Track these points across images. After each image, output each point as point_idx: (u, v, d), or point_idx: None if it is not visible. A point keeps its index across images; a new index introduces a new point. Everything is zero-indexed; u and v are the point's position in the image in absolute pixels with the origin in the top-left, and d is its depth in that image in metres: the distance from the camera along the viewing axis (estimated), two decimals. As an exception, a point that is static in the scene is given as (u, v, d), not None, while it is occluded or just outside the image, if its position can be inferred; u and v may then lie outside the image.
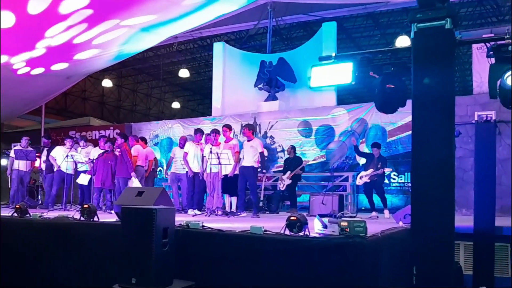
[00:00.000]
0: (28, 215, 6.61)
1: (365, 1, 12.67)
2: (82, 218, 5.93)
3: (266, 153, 11.95)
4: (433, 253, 4.31)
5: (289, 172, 9.78)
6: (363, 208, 10.32)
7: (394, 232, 5.10)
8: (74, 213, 6.31)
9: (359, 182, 9.03)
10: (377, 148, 9.06)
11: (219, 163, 8.25)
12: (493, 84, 4.76)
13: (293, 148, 10.39)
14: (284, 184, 9.83)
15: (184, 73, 19.42)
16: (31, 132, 14.50)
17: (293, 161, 10.04)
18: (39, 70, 10.51)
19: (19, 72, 10.18)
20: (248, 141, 8.57)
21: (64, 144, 10.09)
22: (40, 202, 10.60)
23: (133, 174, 8.93)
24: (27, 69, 10.19)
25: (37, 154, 10.42)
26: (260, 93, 13.87)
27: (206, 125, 13.04)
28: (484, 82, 9.93)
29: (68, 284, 5.60)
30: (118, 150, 9.27)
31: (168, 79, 24.76)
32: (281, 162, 12.10)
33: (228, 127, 8.93)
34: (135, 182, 8.69)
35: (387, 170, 8.91)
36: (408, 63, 5.18)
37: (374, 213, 8.60)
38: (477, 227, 6.40)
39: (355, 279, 3.99)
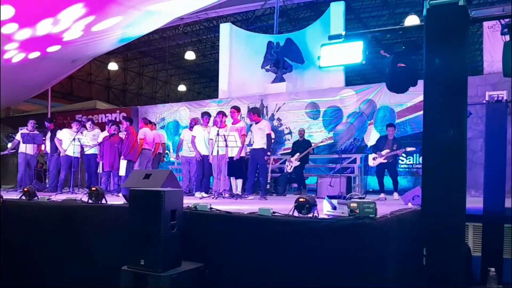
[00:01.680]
0: (36, 198, 6.62)
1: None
2: (90, 201, 5.93)
3: (273, 135, 11.93)
4: (444, 234, 4.30)
5: (297, 154, 9.76)
6: (370, 190, 10.29)
7: (403, 214, 5.06)
8: (82, 196, 6.31)
9: (373, 163, 8.90)
10: (392, 127, 8.93)
11: (226, 146, 8.21)
12: (507, 62, 4.67)
13: (303, 130, 10.39)
14: (292, 166, 9.82)
15: (190, 55, 19.32)
16: (37, 116, 14.51)
17: (302, 144, 10.04)
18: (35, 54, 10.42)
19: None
20: (256, 123, 8.52)
21: (70, 127, 10.08)
22: (47, 185, 10.64)
23: (122, 161, 9.05)
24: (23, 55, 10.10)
25: (43, 138, 10.42)
26: (267, 74, 13.79)
27: (212, 107, 13.01)
28: (495, 62, 9.81)
29: (76, 265, 5.63)
30: (125, 133, 9.27)
31: (174, 62, 24.67)
32: (288, 144, 12.08)
33: (236, 108, 8.85)
34: (122, 165, 8.89)
35: (409, 149, 8.79)
36: (419, 42, 5.10)
37: (382, 195, 8.56)
38: (487, 209, 6.37)
39: (364, 259, 3.96)
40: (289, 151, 10.71)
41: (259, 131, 8.38)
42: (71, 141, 9.43)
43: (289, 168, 9.97)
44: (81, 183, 10.00)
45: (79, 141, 9.49)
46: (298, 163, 9.76)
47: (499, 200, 6.38)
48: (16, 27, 8.51)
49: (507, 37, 4.77)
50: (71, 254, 5.73)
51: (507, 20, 4.75)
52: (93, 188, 6.04)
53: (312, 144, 10.22)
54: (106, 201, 5.94)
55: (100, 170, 9.67)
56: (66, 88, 22.75)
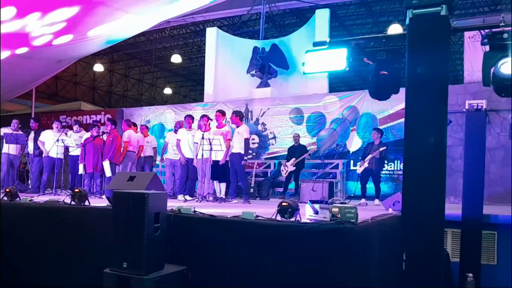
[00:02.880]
0: (18, 199, 6.57)
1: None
2: (73, 203, 5.90)
3: (257, 140, 11.99)
4: (423, 240, 4.32)
5: (293, 159, 9.84)
6: (352, 195, 10.40)
7: (384, 219, 5.14)
8: (64, 198, 6.28)
9: (359, 170, 9.09)
10: (376, 131, 9.09)
11: (211, 149, 8.24)
12: (487, 71, 4.76)
13: (298, 136, 10.48)
14: (287, 171, 9.92)
15: (176, 58, 19.30)
16: (21, 116, 14.34)
17: (298, 149, 10.13)
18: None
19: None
20: (237, 127, 8.59)
21: (52, 128, 10.00)
22: (30, 186, 10.54)
23: (106, 162, 9.03)
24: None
25: (27, 138, 10.32)
26: (253, 79, 13.86)
27: (198, 111, 13.01)
28: (475, 71, 10.00)
29: (58, 268, 5.60)
30: (107, 135, 9.24)
31: (160, 65, 24.62)
32: (272, 149, 12.16)
33: (221, 112, 8.90)
34: (106, 166, 8.88)
35: (381, 149, 8.95)
36: (401, 50, 5.18)
37: (363, 200, 8.69)
38: (465, 215, 6.47)
39: (345, 264, 4.02)
40: (273, 155, 10.78)
41: (238, 136, 8.44)
42: (54, 142, 9.36)
43: (284, 172, 10.05)
44: (65, 184, 9.93)
45: (63, 142, 9.43)
46: (294, 168, 9.85)
47: (477, 206, 6.50)
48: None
49: (487, 48, 4.87)
50: (53, 256, 5.69)
51: (487, 30, 4.86)
52: (76, 190, 6.02)
53: (309, 150, 10.33)
54: (89, 203, 5.92)
55: (82, 171, 9.61)
56: (51, 89, 22.56)
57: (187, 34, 20.10)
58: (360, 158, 9.45)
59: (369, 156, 8.78)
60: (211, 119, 8.87)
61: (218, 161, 8.46)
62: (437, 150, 4.39)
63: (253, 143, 12.25)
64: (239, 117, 8.72)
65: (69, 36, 9.63)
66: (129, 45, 20.45)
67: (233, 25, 17.74)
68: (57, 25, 8.85)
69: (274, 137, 12.36)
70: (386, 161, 9.93)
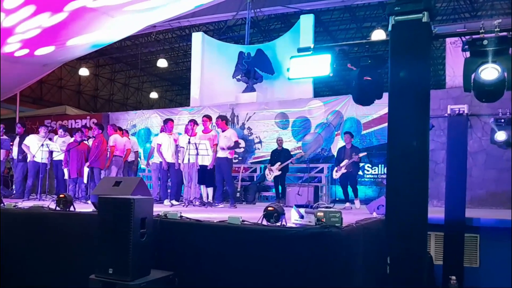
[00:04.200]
0: (2, 204, 6.51)
1: (342, -6, 12.81)
2: (58, 208, 5.86)
3: (243, 144, 12.02)
4: (406, 243, 4.37)
5: (278, 163, 9.86)
6: (337, 199, 10.49)
7: (369, 223, 5.20)
8: (49, 203, 6.24)
9: (335, 175, 9.15)
10: (348, 135, 9.18)
11: (197, 154, 8.25)
12: (467, 77, 4.83)
13: (282, 139, 10.52)
14: (272, 175, 9.94)
15: (162, 63, 19.25)
16: (5, 121, 14.18)
17: (282, 153, 10.14)
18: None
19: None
20: (223, 131, 8.62)
21: (38, 133, 9.91)
22: (14, 191, 10.42)
23: (87, 164, 9.00)
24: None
25: (11, 143, 10.22)
26: (238, 84, 13.92)
27: (184, 115, 13.04)
28: (457, 76, 10.15)
29: (43, 274, 5.56)
30: (93, 139, 9.19)
31: (146, 69, 24.55)
32: (258, 153, 12.20)
33: (208, 117, 8.94)
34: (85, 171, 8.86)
35: (361, 154, 9.07)
36: (384, 56, 5.25)
37: (348, 204, 8.77)
38: (448, 218, 6.55)
39: (331, 268, 4.06)
40: (259, 160, 10.81)
41: (225, 139, 8.47)
42: (39, 147, 9.28)
43: (269, 177, 10.07)
44: (50, 189, 9.84)
45: (48, 147, 9.35)
46: (279, 172, 9.88)
47: (460, 210, 6.59)
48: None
49: (468, 54, 4.96)
50: (38, 262, 5.65)
51: (468, 37, 4.95)
52: (61, 195, 5.96)
53: (297, 155, 10.38)
54: (75, 208, 5.89)
55: (66, 176, 9.54)
56: (35, 93, 22.33)
57: (173, 39, 20.10)
58: (332, 163, 9.55)
59: (346, 162, 8.84)
60: (197, 124, 8.89)
61: (206, 165, 8.47)
62: (419, 154, 4.45)
63: (239, 148, 12.28)
64: (225, 121, 8.77)
65: (50, 47, 9.61)
66: (115, 49, 20.37)
67: (218, 30, 17.79)
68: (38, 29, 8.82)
69: (260, 142, 12.40)
70: (365, 164, 10.08)
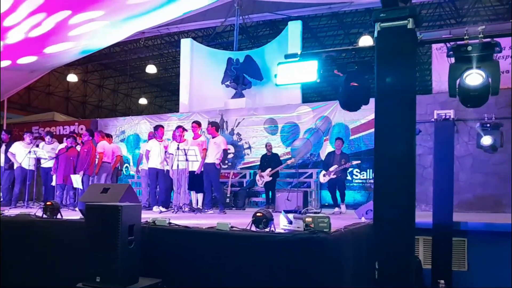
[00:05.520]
0: (-12, 213, 6.43)
1: (330, 0, 12.88)
2: (44, 216, 5.82)
3: (232, 150, 12.03)
4: (395, 248, 4.38)
5: (269, 169, 9.86)
6: (326, 204, 10.52)
7: (357, 228, 5.23)
8: (36, 211, 6.18)
9: (323, 179, 9.17)
10: (339, 141, 9.24)
11: (186, 160, 8.24)
12: (452, 83, 4.87)
13: (271, 145, 10.53)
14: (263, 181, 9.93)
15: (151, 69, 19.23)
16: (-9, 128, 14.04)
17: (273, 158, 10.14)
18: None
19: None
20: (213, 138, 8.62)
21: (23, 139, 9.83)
22: (1, 199, 10.31)
23: (80, 173, 8.90)
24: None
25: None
26: (227, 90, 13.94)
27: (173, 121, 13.01)
28: (443, 82, 10.26)
29: (30, 283, 5.50)
30: (82, 145, 9.13)
31: (135, 75, 24.48)
32: (248, 159, 12.20)
33: (197, 123, 8.94)
34: (74, 178, 8.74)
35: (355, 163, 9.12)
36: (371, 62, 5.29)
37: (337, 209, 8.81)
38: (436, 222, 6.62)
39: (319, 273, 4.07)
40: (249, 165, 10.80)
41: (214, 146, 8.48)
42: (26, 154, 9.20)
43: (260, 183, 10.06)
44: (37, 196, 9.75)
45: (35, 154, 9.27)
46: (270, 178, 9.89)
47: (447, 214, 6.66)
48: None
49: (453, 59, 5.02)
50: (24, 271, 5.60)
51: (452, 43, 5.00)
52: (48, 203, 5.92)
53: (288, 161, 10.40)
54: (62, 215, 5.85)
55: (54, 183, 9.46)
56: (23, 99, 22.11)
57: (161, 45, 20.08)
58: (321, 168, 9.60)
59: (335, 167, 8.87)
60: (186, 130, 8.88)
61: (195, 171, 8.47)
62: (406, 159, 4.48)
63: (229, 153, 12.27)
64: (215, 127, 8.77)
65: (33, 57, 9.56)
66: (103, 56, 20.28)
67: (207, 36, 17.81)
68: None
69: (249, 147, 12.42)
70: (354, 169, 10.15)
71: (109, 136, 10.24)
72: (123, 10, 8.96)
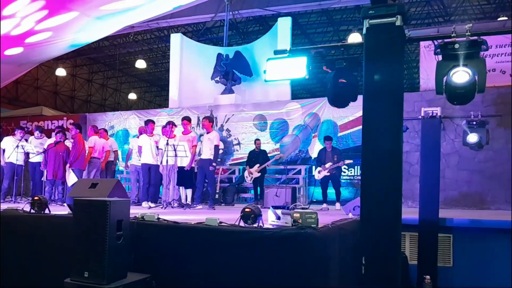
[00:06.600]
0: (-25, 207, 6.39)
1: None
2: (32, 211, 5.78)
3: (222, 146, 12.04)
4: (381, 243, 4.43)
5: (257, 165, 9.89)
6: (314, 200, 10.57)
7: (344, 223, 5.26)
8: (24, 205, 6.15)
9: (318, 176, 9.24)
10: (329, 140, 9.31)
11: (176, 155, 8.24)
12: (439, 80, 4.92)
13: (260, 141, 10.58)
14: (252, 177, 9.97)
15: (141, 64, 19.14)
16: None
17: (261, 154, 10.19)
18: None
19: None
20: (207, 133, 8.64)
21: (14, 135, 9.75)
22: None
23: (67, 167, 8.84)
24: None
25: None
26: (217, 86, 13.94)
27: (163, 117, 12.98)
28: (430, 79, 10.35)
29: (17, 278, 5.48)
30: (72, 140, 9.08)
31: (125, 70, 24.35)
32: (237, 155, 12.22)
33: (188, 119, 8.95)
34: (71, 177, 8.61)
35: (347, 162, 9.21)
36: (360, 59, 5.32)
37: (324, 205, 8.88)
38: (422, 219, 6.67)
39: (307, 268, 4.10)
40: (238, 161, 10.81)
41: (208, 142, 8.49)
42: (14, 148, 9.13)
43: (249, 179, 10.10)
44: (26, 191, 9.69)
45: (23, 148, 9.21)
46: (259, 174, 9.92)
47: (433, 210, 6.72)
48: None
49: (440, 57, 5.07)
50: (11, 266, 5.57)
51: (440, 41, 5.05)
52: (35, 198, 5.89)
53: (276, 156, 10.43)
54: (50, 211, 5.81)
55: (44, 178, 9.41)
56: (11, 93, 21.90)
57: (151, 40, 19.99)
58: (315, 164, 9.65)
59: (330, 165, 8.95)
60: (175, 125, 8.88)
61: (184, 167, 8.48)
62: (393, 156, 4.52)
63: (219, 149, 12.30)
64: (211, 123, 8.85)
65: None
66: (92, 50, 20.16)
67: (197, 32, 17.77)
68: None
69: (239, 143, 12.44)
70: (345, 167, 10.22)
71: (105, 132, 10.19)
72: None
